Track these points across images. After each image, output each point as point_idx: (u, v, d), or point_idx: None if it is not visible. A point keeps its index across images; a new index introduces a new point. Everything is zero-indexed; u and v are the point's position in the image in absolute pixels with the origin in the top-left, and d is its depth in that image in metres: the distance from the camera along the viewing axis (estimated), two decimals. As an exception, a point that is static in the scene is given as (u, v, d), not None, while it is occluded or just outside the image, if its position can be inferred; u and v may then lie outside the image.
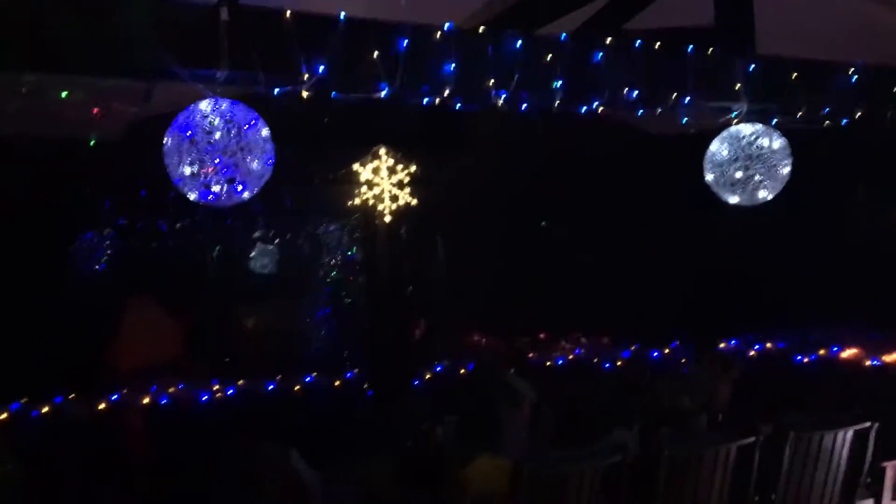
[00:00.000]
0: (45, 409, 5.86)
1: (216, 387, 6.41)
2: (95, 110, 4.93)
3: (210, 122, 3.62)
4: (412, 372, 7.00)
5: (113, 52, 3.55)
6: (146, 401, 6.16)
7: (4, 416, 5.68)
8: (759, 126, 4.63)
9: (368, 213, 6.75)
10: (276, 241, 7.51)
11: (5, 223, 6.18)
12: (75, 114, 5.08)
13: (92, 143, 5.49)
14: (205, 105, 3.65)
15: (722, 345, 7.69)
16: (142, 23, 3.49)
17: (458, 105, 4.34)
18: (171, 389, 6.27)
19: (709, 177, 4.69)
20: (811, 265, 7.16)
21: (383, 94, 4.03)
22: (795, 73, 4.91)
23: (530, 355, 7.43)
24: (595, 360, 7.79)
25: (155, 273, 6.92)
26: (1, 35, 3.35)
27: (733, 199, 4.66)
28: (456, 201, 7.29)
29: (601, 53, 4.50)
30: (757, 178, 4.56)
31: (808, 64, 4.99)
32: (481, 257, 7.68)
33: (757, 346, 7.57)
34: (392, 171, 6.66)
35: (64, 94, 4.79)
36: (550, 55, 4.41)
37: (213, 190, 3.66)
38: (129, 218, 6.95)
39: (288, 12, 3.79)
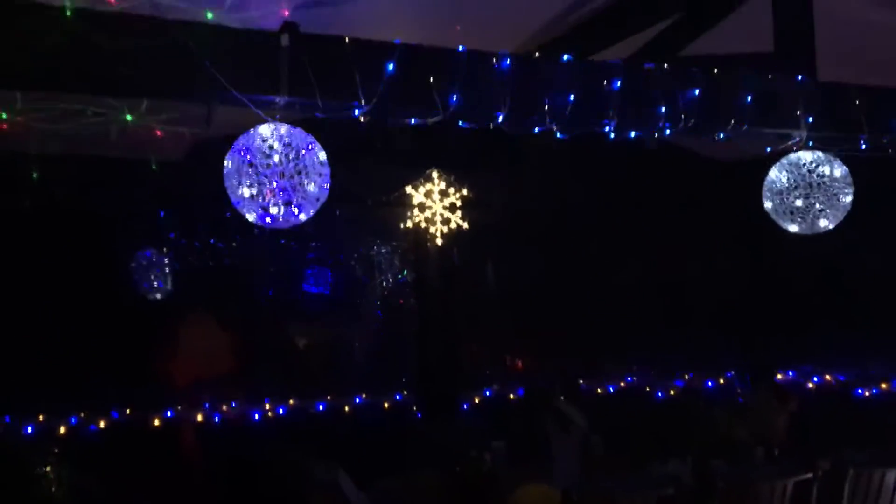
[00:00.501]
0: (102, 424, 5.98)
1: (267, 405, 6.47)
2: (158, 132, 5.05)
3: (269, 146, 3.66)
4: (461, 395, 6.99)
5: (175, 77, 3.61)
6: (199, 418, 6.25)
7: (63, 429, 5.82)
8: (819, 154, 4.54)
9: (420, 235, 6.79)
10: (330, 262, 7.64)
11: (68, 241, 6.36)
12: (139, 136, 5.21)
13: (153, 165, 5.67)
14: (264, 129, 3.69)
15: (779, 376, 7.54)
16: (204, 49, 3.54)
17: (512, 130, 4.29)
18: (223, 407, 6.35)
19: (768, 205, 4.60)
20: (873, 295, 6.98)
21: (438, 118, 4.04)
22: (857, 100, 4.81)
23: (581, 382, 7.37)
24: (647, 389, 7.70)
25: (211, 291, 7.06)
26: (67, 59, 3.38)
27: (793, 228, 4.56)
28: (508, 225, 7.31)
29: (657, 79, 4.46)
30: (818, 206, 4.46)
31: (869, 90, 4.88)
32: (532, 282, 7.66)
33: (815, 379, 7.39)
34: (444, 194, 6.69)
35: (128, 117, 4.91)
36: (605, 81, 4.37)
37: (270, 212, 3.70)
38: (188, 237, 7.13)
39: (346, 39, 3.83)
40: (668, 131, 4.55)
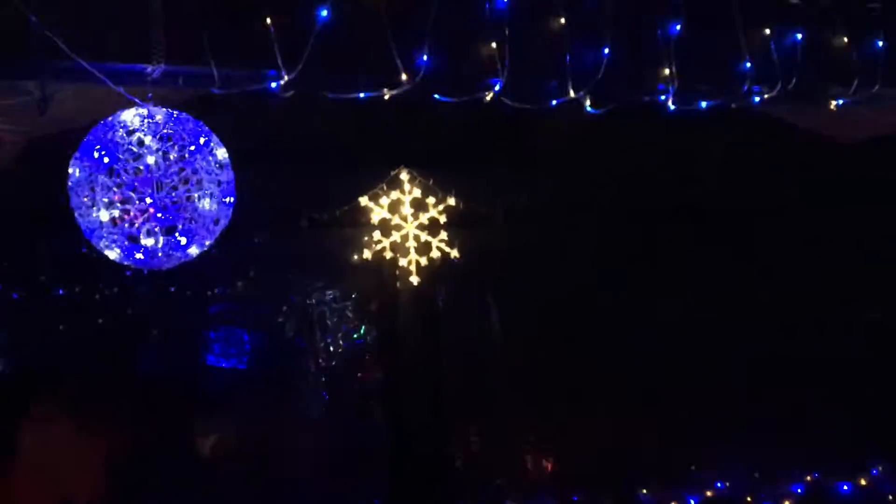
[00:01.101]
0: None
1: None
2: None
3: (137, 141, 3.68)
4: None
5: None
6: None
7: None
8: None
9: (385, 272, 6.79)
10: (246, 318, 7.60)
11: None
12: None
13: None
14: (129, 117, 3.73)
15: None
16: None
17: (517, 104, 4.38)
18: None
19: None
20: None
21: (401, 90, 4.10)
22: None
23: (643, 492, 7.34)
24: (748, 499, 7.68)
25: (65, 369, 6.99)
26: None
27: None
28: (519, 251, 7.25)
29: (737, 21, 4.51)
30: None
31: None
32: (560, 340, 7.63)
33: None
34: (420, 205, 6.71)
35: None
36: (658, 25, 4.42)
37: (143, 244, 3.73)
38: (22, 286, 7.07)
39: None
40: (757, 98, 4.58)
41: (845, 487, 7.80)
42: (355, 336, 7.79)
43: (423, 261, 6.71)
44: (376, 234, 6.69)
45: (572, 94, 4.34)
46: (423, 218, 6.72)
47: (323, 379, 7.83)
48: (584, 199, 7.23)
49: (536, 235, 7.32)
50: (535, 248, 7.37)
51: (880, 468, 7.75)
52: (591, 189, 7.15)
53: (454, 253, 6.74)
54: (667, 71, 4.44)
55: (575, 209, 7.29)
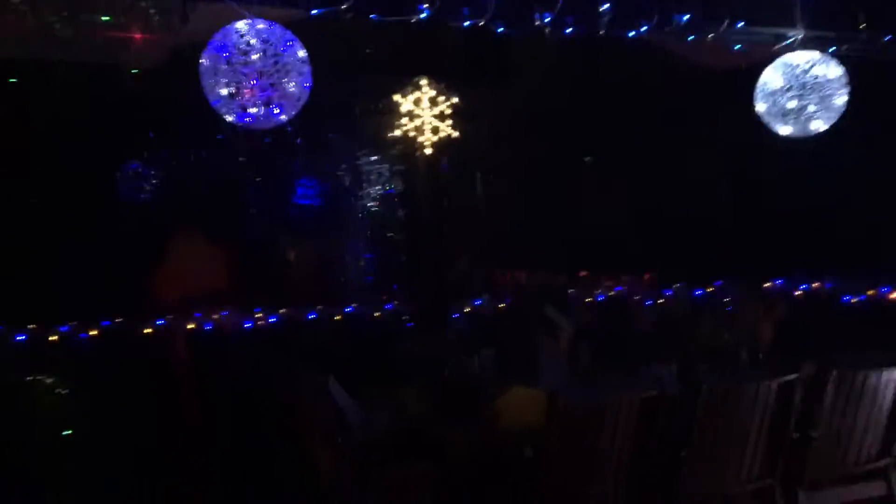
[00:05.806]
0: (93, 332, 5.93)
1: (258, 314, 6.40)
2: (137, 35, 4.78)
3: (247, 43, 3.65)
4: (451, 305, 6.96)
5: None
6: (191, 326, 6.18)
7: (55, 337, 5.80)
8: (815, 54, 4.40)
9: (409, 145, 6.75)
10: (317, 172, 7.46)
11: (52, 152, 6.18)
12: (117, 39, 4.97)
13: (134, 69, 5.50)
14: (241, 25, 3.69)
15: (767, 284, 7.49)
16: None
17: (500, 29, 4.26)
18: (214, 316, 6.28)
19: (760, 107, 4.50)
20: (863, 203, 6.88)
21: (422, 16, 4.03)
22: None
23: (570, 291, 7.34)
24: (636, 298, 7.65)
25: (198, 203, 6.90)
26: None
27: (785, 130, 4.47)
28: (497, 134, 7.18)
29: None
30: (811, 108, 4.35)
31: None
32: (523, 192, 7.55)
33: (803, 286, 7.36)
34: (433, 102, 6.59)
35: (105, 18, 4.71)
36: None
37: (250, 112, 3.72)
38: (173, 147, 6.93)
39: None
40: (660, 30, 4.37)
41: (698, 292, 7.51)
42: (389, 186, 7.67)
43: (434, 139, 6.66)
44: (404, 120, 6.62)
45: (537, 23, 4.22)
46: (436, 110, 6.64)
47: (367, 213, 7.72)
48: (539, 98, 6.95)
49: (507, 124, 7.14)
50: (506, 132, 7.21)
51: (723, 281, 7.41)
52: (544, 92, 6.87)
53: (455, 135, 6.65)
54: (604, 6, 4.30)
55: (534, 106, 7.03)
